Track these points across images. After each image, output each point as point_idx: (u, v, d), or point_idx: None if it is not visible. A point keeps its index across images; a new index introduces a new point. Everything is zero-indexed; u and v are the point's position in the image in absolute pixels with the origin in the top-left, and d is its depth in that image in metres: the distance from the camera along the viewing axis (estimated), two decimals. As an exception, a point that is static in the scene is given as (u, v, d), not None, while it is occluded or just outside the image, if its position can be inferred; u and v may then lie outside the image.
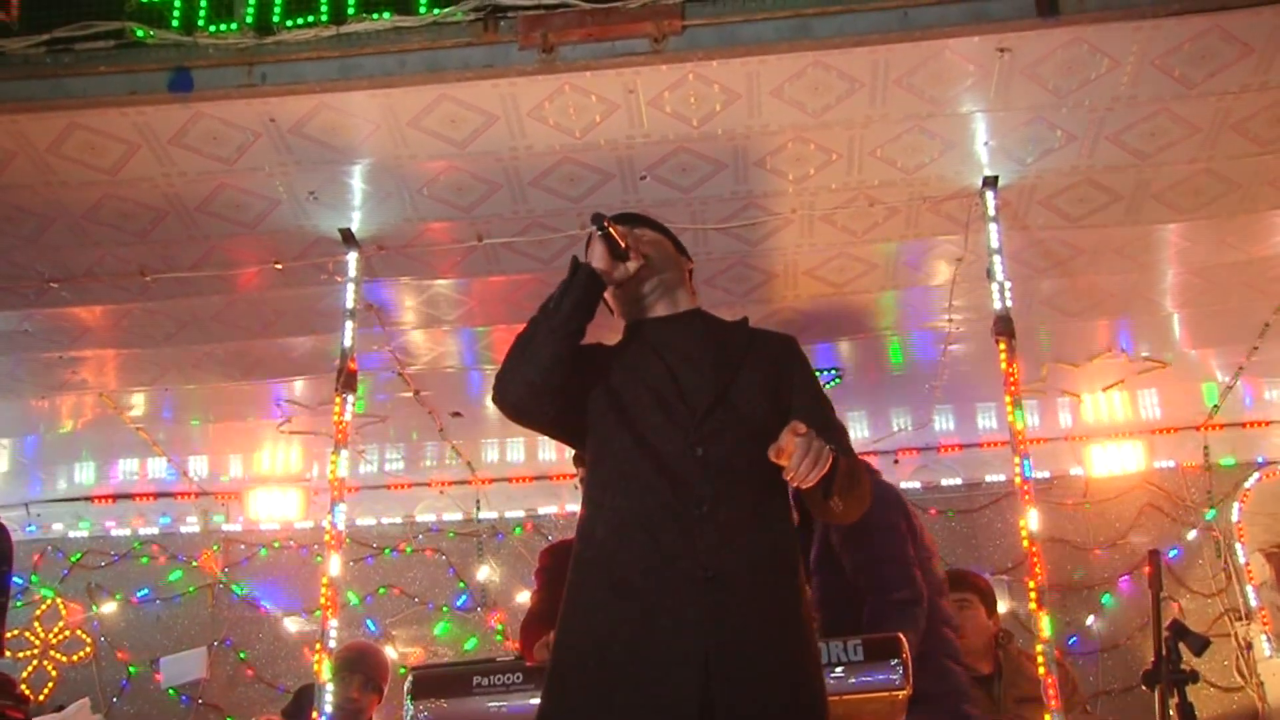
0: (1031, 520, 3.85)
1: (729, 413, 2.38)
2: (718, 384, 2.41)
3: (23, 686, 6.21)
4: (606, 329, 2.52)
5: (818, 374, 5.29)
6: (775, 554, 2.34)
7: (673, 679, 2.16)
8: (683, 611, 2.21)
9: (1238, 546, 6.08)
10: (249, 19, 3.71)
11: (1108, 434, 6.21)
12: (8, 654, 4.57)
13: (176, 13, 3.73)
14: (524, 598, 6.46)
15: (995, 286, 4.07)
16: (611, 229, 2.41)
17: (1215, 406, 5.97)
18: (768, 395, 2.44)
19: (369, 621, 6.49)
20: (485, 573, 6.60)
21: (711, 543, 2.25)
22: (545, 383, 2.37)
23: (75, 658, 6.56)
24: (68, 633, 6.59)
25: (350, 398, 4.23)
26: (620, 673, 2.20)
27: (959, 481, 6.45)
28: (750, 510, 2.32)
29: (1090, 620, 6.14)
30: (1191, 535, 6.18)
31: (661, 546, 2.26)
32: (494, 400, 2.45)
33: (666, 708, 2.15)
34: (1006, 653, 4.30)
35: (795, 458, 2.16)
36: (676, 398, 2.39)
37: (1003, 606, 5.79)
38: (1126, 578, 6.13)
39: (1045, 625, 3.75)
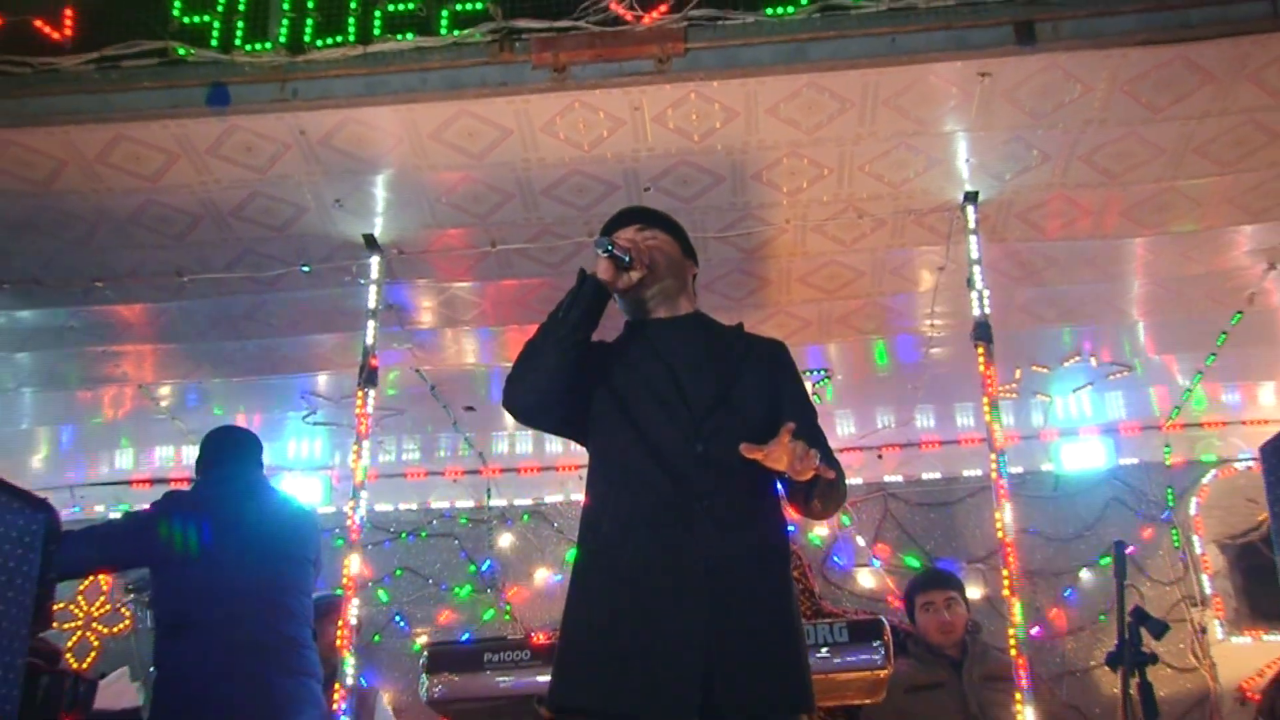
0: (1006, 514, 3.85)
1: (730, 412, 2.38)
2: (719, 384, 2.41)
3: (68, 656, 6.24)
4: (606, 322, 2.52)
5: (809, 374, 5.38)
6: (769, 546, 2.35)
7: (677, 661, 2.17)
8: (684, 600, 2.22)
9: (1195, 538, 6.09)
10: (282, 39, 3.72)
11: (1077, 433, 6.21)
12: (55, 626, 4.56)
13: (215, 33, 3.74)
14: (531, 579, 6.48)
15: (974, 294, 4.07)
16: (615, 249, 2.41)
17: (1176, 409, 5.97)
18: (765, 397, 2.45)
19: (397, 616, 6.47)
20: (495, 555, 6.60)
21: (711, 536, 2.26)
22: (553, 388, 2.37)
23: (115, 630, 6.53)
24: (108, 606, 6.57)
25: (371, 392, 4.23)
26: (626, 655, 2.20)
27: (938, 475, 6.44)
28: (746, 505, 2.33)
29: (1058, 605, 6.14)
30: (1152, 528, 6.19)
31: (664, 540, 2.27)
32: (505, 404, 2.44)
33: (671, 686, 2.16)
34: (974, 638, 4.56)
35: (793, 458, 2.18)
36: (677, 397, 2.39)
37: (977, 593, 5.85)
38: (1092, 566, 6.14)
39: (1017, 611, 3.75)
